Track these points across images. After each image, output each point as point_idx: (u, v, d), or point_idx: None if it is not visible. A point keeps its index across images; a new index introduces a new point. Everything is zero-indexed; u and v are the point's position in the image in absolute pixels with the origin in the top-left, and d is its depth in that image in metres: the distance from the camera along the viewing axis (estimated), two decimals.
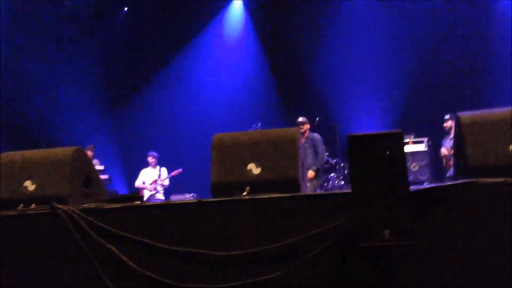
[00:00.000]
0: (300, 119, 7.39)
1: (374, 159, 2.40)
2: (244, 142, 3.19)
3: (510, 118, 2.81)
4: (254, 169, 3.07)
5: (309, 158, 7.08)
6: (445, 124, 7.81)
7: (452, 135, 7.79)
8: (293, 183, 2.95)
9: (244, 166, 3.08)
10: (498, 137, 2.76)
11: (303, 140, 6.89)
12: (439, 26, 9.51)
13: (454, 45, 9.46)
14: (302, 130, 7.15)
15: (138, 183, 9.23)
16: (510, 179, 2.53)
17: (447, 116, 7.78)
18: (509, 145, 2.71)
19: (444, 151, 7.86)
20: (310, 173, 7.02)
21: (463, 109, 3.36)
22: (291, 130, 3.21)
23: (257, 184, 2.98)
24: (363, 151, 2.44)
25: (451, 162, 7.69)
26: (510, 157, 2.71)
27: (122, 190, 10.04)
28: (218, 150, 3.18)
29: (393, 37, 9.73)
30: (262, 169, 3.05)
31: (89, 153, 8.43)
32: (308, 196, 2.87)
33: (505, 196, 2.51)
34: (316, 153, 7.21)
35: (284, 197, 2.78)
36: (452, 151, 7.67)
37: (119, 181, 10.40)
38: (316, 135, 7.35)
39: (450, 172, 7.72)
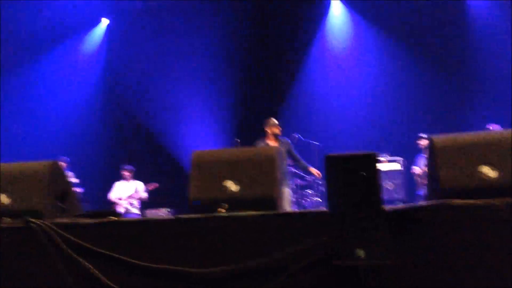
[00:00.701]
0: (276, 120, 6.93)
1: (350, 179, 2.46)
2: (223, 159, 3.21)
3: (480, 142, 2.91)
4: (232, 186, 3.10)
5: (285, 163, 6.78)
6: (420, 142, 7.97)
7: (426, 154, 7.96)
8: (271, 201, 2.98)
9: (223, 183, 3.11)
10: (469, 160, 2.84)
11: (276, 143, 6.64)
12: (415, 45, 9.75)
13: (429, 65, 9.69)
14: (279, 133, 6.81)
15: (112, 196, 9.11)
16: (480, 201, 2.62)
17: (422, 135, 7.94)
18: (480, 168, 2.80)
19: (417, 169, 8.02)
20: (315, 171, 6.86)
21: (438, 129, 3.46)
22: (271, 148, 3.25)
23: (235, 201, 3.00)
24: (340, 171, 2.49)
25: (423, 181, 7.85)
26: (480, 179, 2.80)
27: (95, 204, 9.89)
28: (197, 167, 3.19)
29: (368, 55, 9.94)
30: (241, 187, 3.08)
31: (63, 165, 8.30)
32: (286, 214, 2.90)
33: (476, 217, 2.59)
34: (292, 157, 6.84)
35: (262, 214, 2.81)
36: (424, 170, 7.85)
37: (93, 195, 10.25)
38: (288, 139, 7.02)
39: (422, 190, 7.87)
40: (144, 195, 9.02)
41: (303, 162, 6.90)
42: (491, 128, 6.58)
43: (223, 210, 3.00)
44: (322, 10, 10.34)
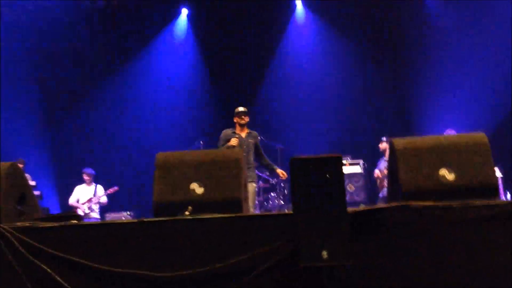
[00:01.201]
0: (242, 108, 6.50)
1: (314, 181, 2.50)
2: (188, 161, 3.19)
3: (439, 145, 3.01)
4: (197, 188, 3.08)
5: (251, 155, 6.38)
6: (380, 145, 8.19)
7: (386, 157, 8.18)
8: (236, 204, 2.99)
9: (187, 186, 3.09)
10: (428, 163, 2.94)
11: (244, 134, 6.39)
12: (376, 49, 9.97)
13: (390, 70, 9.94)
14: (243, 122, 6.39)
15: (72, 200, 8.89)
16: (438, 203, 2.71)
17: (383, 138, 8.15)
18: (439, 170, 2.90)
19: (377, 172, 8.21)
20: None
21: (398, 132, 3.55)
22: (235, 150, 3.26)
23: (200, 204, 2.99)
24: (304, 174, 2.53)
25: (384, 183, 8.05)
26: (439, 181, 2.90)
27: (54, 207, 9.62)
28: (161, 169, 3.16)
29: (331, 58, 10.10)
30: (205, 189, 3.07)
31: (20, 166, 8.02)
32: (251, 216, 2.92)
33: (435, 219, 2.68)
34: (258, 152, 6.48)
35: (227, 217, 2.81)
36: (384, 172, 8.06)
37: (51, 198, 9.97)
38: (256, 132, 6.63)
39: (383, 192, 8.07)
40: (104, 199, 8.85)
41: (268, 160, 6.61)
42: (448, 132, 6.82)
43: (188, 213, 2.98)
44: (287, 13, 10.44)
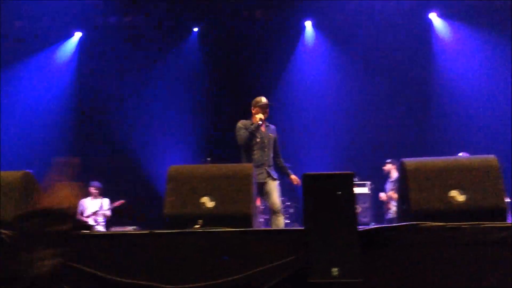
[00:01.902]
0: (266, 100, 5.68)
1: (326, 198, 2.52)
2: (200, 175, 3.23)
3: (450, 167, 3.04)
4: (208, 202, 3.11)
5: (271, 152, 5.63)
6: (384, 168, 8.25)
7: (391, 178, 8.20)
8: (246, 218, 3.01)
9: (198, 199, 3.12)
10: (439, 184, 2.96)
11: (263, 128, 5.58)
12: (388, 72, 10.01)
13: (398, 92, 9.97)
14: (266, 116, 5.62)
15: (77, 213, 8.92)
16: (448, 224, 2.72)
17: (388, 160, 8.24)
18: (448, 191, 2.92)
19: (382, 195, 8.22)
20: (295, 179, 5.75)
21: (405, 155, 3.57)
22: (246, 166, 3.29)
23: (210, 217, 3.02)
24: (317, 190, 2.55)
25: (389, 205, 8.04)
26: (449, 203, 2.92)
27: None
28: (173, 182, 3.20)
29: (341, 80, 10.15)
30: (216, 203, 3.10)
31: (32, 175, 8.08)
32: (261, 231, 2.93)
33: (444, 240, 2.68)
34: (275, 149, 5.72)
35: (237, 231, 2.83)
36: (390, 194, 8.06)
37: None
38: (275, 128, 5.83)
39: (389, 214, 8.05)
40: (108, 212, 8.87)
41: (283, 161, 5.84)
42: (461, 155, 6.83)
43: (198, 226, 3.00)
44: (297, 34, 10.54)
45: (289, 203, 8.02)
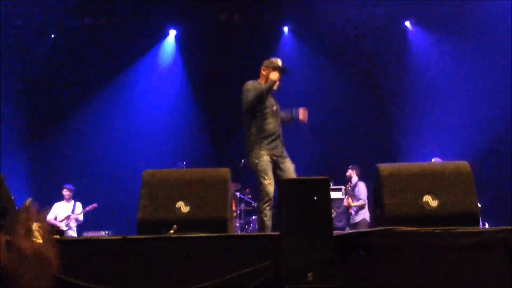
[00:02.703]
0: (281, 63, 4.93)
1: (302, 203, 2.51)
2: (175, 179, 3.19)
3: (423, 172, 3.08)
4: (183, 207, 3.07)
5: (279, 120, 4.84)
6: (346, 173, 8.40)
7: (352, 183, 8.32)
8: (221, 223, 2.99)
9: (173, 204, 3.08)
10: (413, 189, 2.99)
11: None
12: (364, 78, 10.13)
13: (374, 98, 10.09)
14: (278, 82, 4.85)
15: (49, 217, 8.72)
16: (422, 229, 2.75)
17: (350, 166, 8.42)
18: (422, 197, 2.95)
19: (345, 200, 8.31)
20: None
21: (379, 159, 3.60)
22: (222, 170, 3.27)
23: (185, 222, 2.98)
24: (292, 196, 2.54)
25: (351, 210, 8.17)
26: (422, 208, 2.95)
27: None
28: (147, 186, 3.15)
29: (318, 85, 10.20)
30: (191, 208, 3.06)
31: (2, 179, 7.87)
32: (236, 236, 2.91)
33: (418, 244, 2.71)
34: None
35: (212, 237, 2.80)
36: (348, 198, 8.17)
37: None
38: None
39: (351, 219, 8.17)
40: (81, 216, 8.70)
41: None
42: (434, 160, 6.95)
43: (172, 232, 2.96)
44: (275, 39, 10.55)
45: None
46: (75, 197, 8.89)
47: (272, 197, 4.28)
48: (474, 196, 2.94)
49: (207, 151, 9.87)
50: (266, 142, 4.58)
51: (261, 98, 4.65)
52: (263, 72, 4.91)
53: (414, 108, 9.68)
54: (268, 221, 4.27)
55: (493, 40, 9.04)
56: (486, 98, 8.98)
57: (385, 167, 3.11)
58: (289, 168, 4.59)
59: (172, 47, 10.73)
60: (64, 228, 8.47)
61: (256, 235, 3.26)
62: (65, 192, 8.74)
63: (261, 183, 4.37)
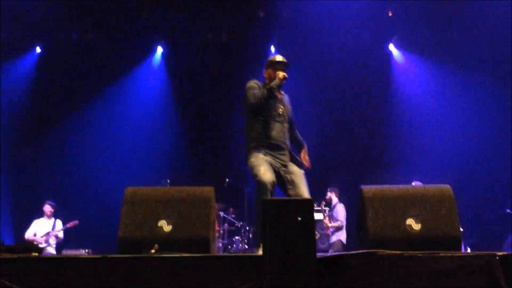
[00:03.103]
0: (282, 58, 4.38)
1: (286, 223, 2.50)
2: (157, 197, 3.16)
3: (406, 196, 3.09)
4: (165, 226, 3.03)
5: (288, 130, 4.31)
6: (326, 196, 8.39)
7: (332, 205, 8.32)
8: (204, 243, 2.95)
9: (155, 223, 3.04)
10: (396, 212, 3.00)
11: (279, 95, 4.26)
12: (344, 101, 10.20)
13: (358, 120, 10.16)
14: (284, 78, 4.23)
15: (28, 234, 8.53)
16: (404, 252, 2.75)
17: (328, 189, 8.42)
18: (405, 220, 2.96)
19: (323, 220, 8.28)
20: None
21: (362, 180, 3.61)
22: (206, 189, 3.24)
23: (167, 242, 2.94)
24: (276, 216, 2.53)
25: (328, 231, 8.17)
26: (405, 231, 2.96)
27: (8, 241, 9.20)
28: (129, 204, 3.11)
29: (301, 107, 10.23)
30: (173, 227, 3.02)
31: None
32: (218, 257, 2.87)
33: (401, 268, 2.71)
34: (291, 122, 4.45)
35: (194, 257, 2.76)
36: (325, 218, 8.14)
37: (5, 231, 9.54)
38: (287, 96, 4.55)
39: (329, 241, 8.15)
40: (61, 234, 8.53)
41: (300, 137, 4.58)
42: (414, 184, 6.99)
43: (154, 251, 2.92)
44: (260, 59, 10.62)
45: (248, 228, 7.96)
46: (56, 214, 8.73)
47: (271, 185, 3.70)
48: (456, 220, 2.96)
49: (192, 169, 9.81)
50: (267, 150, 4.03)
51: (267, 97, 4.09)
52: (265, 76, 4.38)
53: (397, 130, 9.76)
54: None
55: (474, 63, 9.22)
56: (468, 121, 9.12)
57: (369, 190, 3.12)
58: (297, 178, 4.03)
59: (159, 64, 10.74)
60: (43, 245, 8.30)
61: (239, 256, 3.23)
62: (47, 208, 8.58)
63: (255, 176, 3.83)
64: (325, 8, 9.04)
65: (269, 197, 3.61)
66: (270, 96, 4.12)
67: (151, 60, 10.74)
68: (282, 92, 4.36)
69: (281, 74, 4.20)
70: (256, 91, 4.16)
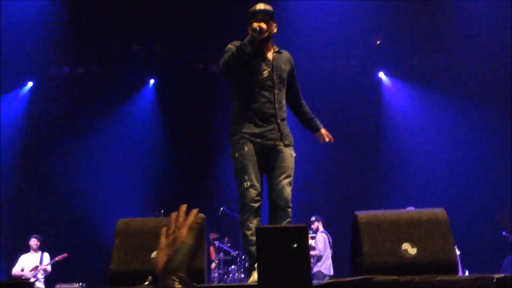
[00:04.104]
0: (262, 5, 3.55)
1: (280, 251, 2.47)
2: (150, 229, 3.12)
3: (401, 220, 3.07)
4: None
5: (284, 93, 3.65)
6: (312, 226, 8.28)
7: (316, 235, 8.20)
8: (198, 274, 2.91)
9: (148, 254, 2.99)
10: (391, 237, 2.98)
11: (270, 53, 3.61)
12: (336, 128, 10.24)
13: (348, 147, 10.20)
14: (271, 29, 3.57)
15: (16, 270, 8.37)
16: (402, 277, 2.72)
17: (313, 218, 8.31)
18: (401, 245, 2.94)
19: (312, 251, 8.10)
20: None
21: (353, 207, 3.60)
22: (198, 218, 3.20)
23: (162, 274, 2.88)
24: (271, 244, 2.50)
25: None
26: (401, 256, 2.93)
27: None
28: (122, 236, 3.07)
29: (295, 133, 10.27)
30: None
31: None
32: None
33: None
34: (294, 88, 3.78)
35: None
36: (315, 251, 8.01)
37: None
38: (288, 53, 3.81)
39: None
40: (49, 267, 8.38)
41: (308, 108, 3.93)
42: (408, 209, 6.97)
43: (147, 283, 2.87)
44: None
45: (244, 256, 7.86)
46: (43, 247, 8.60)
47: (254, 204, 3.35)
48: (451, 243, 2.94)
49: (187, 199, 9.71)
50: (252, 125, 3.43)
51: (239, 55, 3.36)
52: (249, 31, 3.49)
53: (388, 157, 9.81)
54: (253, 235, 3.16)
55: (462, 89, 9.36)
56: (460, 146, 9.20)
57: (363, 215, 3.10)
58: (282, 164, 3.44)
59: (151, 95, 10.79)
60: (32, 280, 8.14)
61: (234, 286, 3.18)
62: (33, 242, 8.45)
63: (239, 187, 3.42)
64: (314, 35, 9.19)
65: (251, 216, 3.35)
66: (240, 55, 3.37)
67: (143, 92, 10.81)
68: (276, 49, 3.65)
69: (254, 25, 3.39)
70: (230, 48, 3.49)
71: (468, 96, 9.26)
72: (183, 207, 1.47)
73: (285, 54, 3.71)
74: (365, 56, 9.91)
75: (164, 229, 1.43)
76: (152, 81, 10.71)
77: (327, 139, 3.85)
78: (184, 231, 1.39)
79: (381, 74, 10.32)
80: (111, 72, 10.22)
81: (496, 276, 2.68)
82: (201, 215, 3.17)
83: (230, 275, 7.73)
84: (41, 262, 8.39)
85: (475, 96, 9.24)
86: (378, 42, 9.71)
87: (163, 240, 1.41)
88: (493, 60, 8.91)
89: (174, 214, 1.44)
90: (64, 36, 9.41)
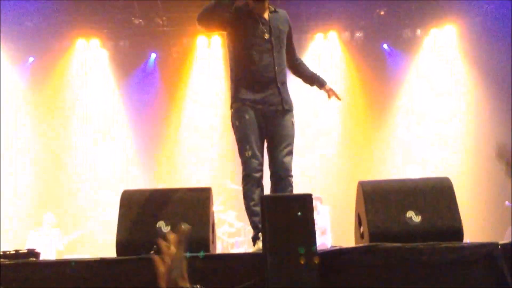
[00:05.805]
0: None
1: (285, 220, 2.48)
2: (154, 199, 3.13)
3: (406, 188, 3.07)
4: (163, 227, 3.01)
5: (283, 54, 3.48)
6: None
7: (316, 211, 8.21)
8: (203, 243, 2.92)
9: (153, 224, 3.01)
10: (395, 205, 2.98)
11: (266, 13, 3.43)
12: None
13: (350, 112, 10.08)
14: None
15: (27, 247, 8.44)
16: (406, 244, 2.73)
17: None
18: (405, 213, 2.94)
19: None
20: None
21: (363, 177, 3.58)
22: (203, 189, 3.21)
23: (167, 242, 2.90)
24: (275, 212, 2.51)
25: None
26: (406, 224, 2.93)
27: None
28: (126, 207, 3.08)
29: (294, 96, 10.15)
30: (172, 228, 2.99)
31: None
32: (218, 256, 2.85)
33: (402, 260, 2.69)
34: (290, 49, 3.61)
35: (193, 256, 2.73)
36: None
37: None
38: (286, 13, 3.60)
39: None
40: (60, 245, 8.44)
41: (309, 69, 3.77)
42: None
43: (153, 252, 2.89)
44: None
45: (247, 229, 7.90)
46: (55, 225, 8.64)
47: (256, 174, 3.25)
48: (456, 211, 2.94)
49: (189, 172, 9.77)
50: (252, 90, 3.32)
51: (222, 4, 3.20)
52: None
53: (392, 124, 9.70)
54: (255, 206, 3.15)
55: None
56: (462, 112, 9.17)
57: (367, 184, 3.10)
58: (285, 125, 3.37)
59: (153, 69, 10.70)
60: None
61: (239, 254, 3.20)
62: (47, 219, 8.47)
63: (240, 155, 3.34)
64: None
65: (255, 187, 3.24)
66: (229, 2, 3.21)
67: (146, 65, 10.72)
68: (272, 9, 3.46)
69: None
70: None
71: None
72: (172, 237, 1.50)
73: (282, 13, 3.54)
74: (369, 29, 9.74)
75: (157, 258, 1.47)
76: (153, 55, 10.62)
77: (335, 96, 3.69)
78: (172, 248, 1.47)
79: (385, 46, 10.14)
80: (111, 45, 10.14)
81: (501, 242, 2.69)
82: (187, 226, 3.14)
83: (235, 247, 7.79)
84: (52, 240, 8.41)
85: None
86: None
87: (161, 269, 1.45)
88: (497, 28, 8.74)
89: (163, 244, 1.48)
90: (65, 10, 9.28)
